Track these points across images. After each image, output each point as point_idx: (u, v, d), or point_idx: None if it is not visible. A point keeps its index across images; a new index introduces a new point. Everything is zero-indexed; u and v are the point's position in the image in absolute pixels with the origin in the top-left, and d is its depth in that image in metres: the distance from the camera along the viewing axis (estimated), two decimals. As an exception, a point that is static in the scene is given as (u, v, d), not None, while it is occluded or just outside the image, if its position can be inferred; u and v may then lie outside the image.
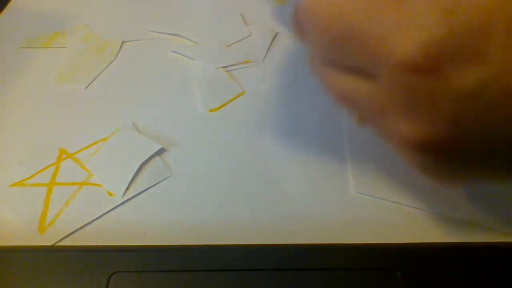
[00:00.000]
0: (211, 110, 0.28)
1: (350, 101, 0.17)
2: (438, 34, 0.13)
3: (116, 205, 0.23)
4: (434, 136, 0.14)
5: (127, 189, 0.23)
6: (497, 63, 0.12)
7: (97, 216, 0.22)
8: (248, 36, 0.33)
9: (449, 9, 0.13)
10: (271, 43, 0.33)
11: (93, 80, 0.30)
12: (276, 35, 0.34)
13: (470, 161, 0.15)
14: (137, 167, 0.24)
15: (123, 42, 0.33)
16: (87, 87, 0.30)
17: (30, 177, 0.24)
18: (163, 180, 0.24)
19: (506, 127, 0.13)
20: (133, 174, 0.24)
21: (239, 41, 0.33)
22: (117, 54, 0.32)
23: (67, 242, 0.21)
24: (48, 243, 0.21)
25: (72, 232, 0.22)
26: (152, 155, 0.25)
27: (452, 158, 0.15)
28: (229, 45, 0.33)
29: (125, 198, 0.23)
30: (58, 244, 0.21)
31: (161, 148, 0.25)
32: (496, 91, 0.13)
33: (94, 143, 0.26)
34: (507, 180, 0.16)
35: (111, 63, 0.32)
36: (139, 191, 0.23)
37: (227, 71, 0.31)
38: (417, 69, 0.13)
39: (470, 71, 0.13)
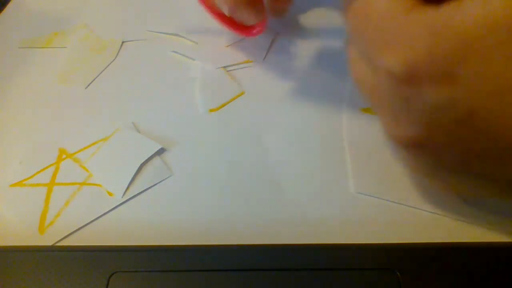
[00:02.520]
0: (211, 110, 0.28)
1: (361, 85, 0.19)
2: (420, 54, 0.14)
3: (116, 205, 0.23)
4: (411, 135, 0.16)
5: (127, 189, 0.23)
6: (466, 87, 0.14)
7: (97, 216, 0.22)
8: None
9: (436, 32, 0.14)
10: (271, 43, 0.33)
11: (93, 80, 0.30)
12: (276, 35, 0.34)
13: (455, 169, 0.17)
14: (137, 167, 0.24)
15: (123, 42, 0.33)
16: (87, 87, 0.30)
17: (30, 177, 0.24)
18: (163, 180, 0.24)
19: (473, 144, 0.15)
20: (133, 174, 0.24)
21: (239, 41, 0.33)
22: (117, 54, 0.32)
23: (67, 242, 0.21)
24: (48, 243, 0.21)
25: (72, 232, 0.22)
26: (152, 155, 0.25)
27: (436, 162, 0.17)
28: (229, 45, 0.33)
29: (125, 198, 0.23)
30: (58, 244, 0.21)
31: (161, 148, 0.25)
32: (462, 110, 0.14)
33: (94, 143, 0.26)
34: (490, 196, 0.19)
35: (111, 63, 0.32)
36: (139, 191, 0.23)
37: (227, 71, 0.31)
38: (399, 80, 0.15)
39: (440, 89, 0.14)
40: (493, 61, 0.13)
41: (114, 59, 0.32)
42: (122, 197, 0.23)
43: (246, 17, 0.28)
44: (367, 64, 0.18)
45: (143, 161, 0.24)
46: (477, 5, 0.13)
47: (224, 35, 0.33)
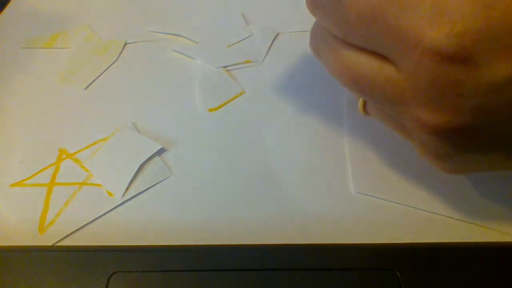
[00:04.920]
0: (210, 110, 0.28)
1: (365, 85, 0.16)
2: (475, 26, 0.12)
3: (116, 205, 0.23)
4: (455, 124, 0.14)
5: (127, 189, 0.23)
6: None
7: (97, 216, 0.22)
8: (249, 36, 0.33)
9: (487, 3, 0.12)
10: (271, 43, 0.33)
11: (93, 81, 0.30)
12: (277, 35, 0.33)
13: (485, 150, 0.16)
14: (137, 167, 0.24)
15: (125, 43, 0.33)
16: (87, 87, 0.30)
17: (30, 177, 0.24)
18: (163, 180, 0.24)
19: None
20: (133, 174, 0.24)
21: (240, 41, 0.33)
22: (119, 55, 0.32)
23: (67, 242, 0.21)
24: (48, 243, 0.21)
25: (72, 232, 0.22)
26: (152, 155, 0.25)
27: (468, 146, 0.15)
28: (230, 45, 0.33)
29: (125, 198, 0.23)
30: (58, 244, 0.21)
31: (161, 148, 0.25)
32: None
33: (94, 143, 0.26)
34: None
35: (112, 64, 0.32)
36: (139, 191, 0.23)
37: (227, 70, 0.31)
38: (447, 58, 0.13)
39: (500, 66, 0.13)
40: None
41: (115, 60, 0.32)
42: (122, 197, 0.23)
43: None
44: (373, 57, 0.16)
45: (143, 161, 0.24)
46: None
47: (225, 35, 0.33)
